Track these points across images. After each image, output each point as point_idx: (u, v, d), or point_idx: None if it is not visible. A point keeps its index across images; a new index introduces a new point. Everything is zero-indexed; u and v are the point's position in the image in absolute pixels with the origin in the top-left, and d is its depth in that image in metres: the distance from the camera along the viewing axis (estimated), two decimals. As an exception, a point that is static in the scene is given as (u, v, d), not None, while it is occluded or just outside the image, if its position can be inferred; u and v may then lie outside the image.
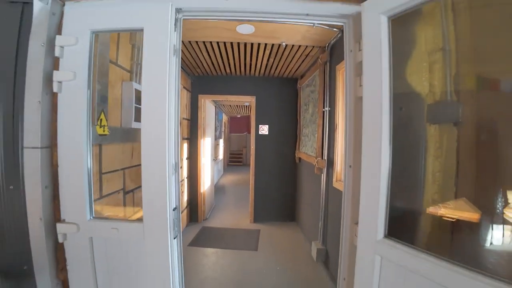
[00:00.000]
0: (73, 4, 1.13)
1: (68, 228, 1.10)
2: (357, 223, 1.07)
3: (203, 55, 2.85)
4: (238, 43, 2.46)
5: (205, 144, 4.04)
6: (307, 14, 1.14)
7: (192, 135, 3.79)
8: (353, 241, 1.09)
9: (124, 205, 1.67)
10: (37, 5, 1.08)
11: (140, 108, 1.73)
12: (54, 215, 1.13)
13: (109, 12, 1.09)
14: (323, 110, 2.47)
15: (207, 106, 4.11)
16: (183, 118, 3.45)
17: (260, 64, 3.19)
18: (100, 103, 1.37)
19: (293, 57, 2.85)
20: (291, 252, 2.97)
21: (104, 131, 1.40)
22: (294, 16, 1.15)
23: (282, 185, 3.98)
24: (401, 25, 1.04)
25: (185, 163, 3.56)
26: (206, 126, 4.01)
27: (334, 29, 1.99)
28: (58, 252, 1.17)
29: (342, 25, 1.17)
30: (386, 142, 0.96)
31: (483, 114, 0.99)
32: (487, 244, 0.94)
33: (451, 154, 1.04)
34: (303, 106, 3.54)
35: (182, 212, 3.42)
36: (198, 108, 3.76)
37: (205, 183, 4.03)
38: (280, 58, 2.90)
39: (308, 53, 2.71)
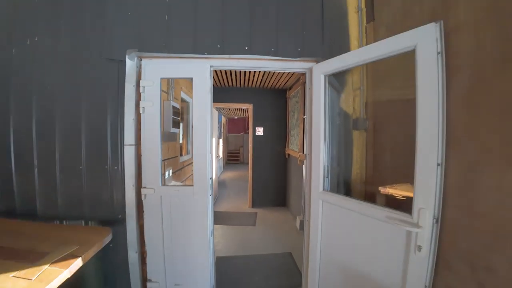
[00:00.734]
0: (148, 61, 1.93)
1: (148, 191, 1.91)
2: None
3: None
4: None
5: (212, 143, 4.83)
6: (285, 68, 1.97)
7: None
8: (310, 195, 1.93)
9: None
10: (128, 62, 1.89)
11: (175, 118, 2.55)
12: (140, 182, 1.93)
13: (171, 67, 1.90)
14: (303, 117, 3.31)
15: (213, 112, 4.91)
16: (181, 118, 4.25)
17: (256, 79, 4.02)
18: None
19: (282, 75, 3.68)
20: (281, 226, 3.82)
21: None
22: (278, 69, 1.99)
23: (275, 177, 4.83)
24: (337, 76, 1.88)
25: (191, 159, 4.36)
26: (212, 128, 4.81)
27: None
28: (139, 206, 1.97)
29: (305, 73, 2.00)
30: (323, 142, 1.80)
31: (377, 125, 1.83)
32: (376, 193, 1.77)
33: (363, 146, 1.89)
34: (291, 113, 4.38)
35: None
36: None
37: (213, 174, 4.84)
38: (272, 75, 3.74)
39: (293, 73, 3.55)
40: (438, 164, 1.18)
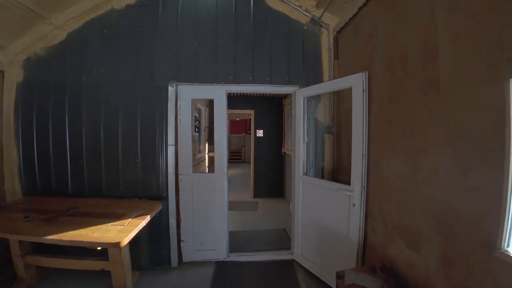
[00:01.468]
0: (182, 86, 2.79)
1: (183, 177, 2.77)
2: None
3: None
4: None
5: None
6: (277, 91, 2.84)
7: (210, 137, 5.45)
8: (294, 179, 2.78)
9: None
10: (170, 89, 2.74)
11: (196, 125, 3.42)
12: (177, 170, 2.79)
13: (198, 91, 2.77)
14: (295, 122, 4.15)
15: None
16: (206, 127, 5.11)
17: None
18: (186, 125, 3.04)
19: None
20: (278, 210, 4.68)
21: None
22: (272, 91, 2.85)
23: (273, 172, 5.68)
24: (314, 97, 2.74)
25: (206, 156, 5.22)
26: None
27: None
28: (176, 187, 2.83)
29: (292, 93, 2.86)
30: (302, 142, 2.66)
31: (338, 131, 2.68)
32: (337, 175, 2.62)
33: (329, 146, 2.75)
34: (286, 117, 5.24)
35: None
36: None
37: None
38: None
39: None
40: (362, 155, 2.03)
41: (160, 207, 2.61)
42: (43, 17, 2.67)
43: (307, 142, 2.74)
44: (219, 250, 2.92)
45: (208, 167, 5.40)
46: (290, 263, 2.88)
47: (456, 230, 1.26)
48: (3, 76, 2.82)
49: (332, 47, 2.79)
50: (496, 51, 1.06)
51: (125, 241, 1.82)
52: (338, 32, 2.70)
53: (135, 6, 2.80)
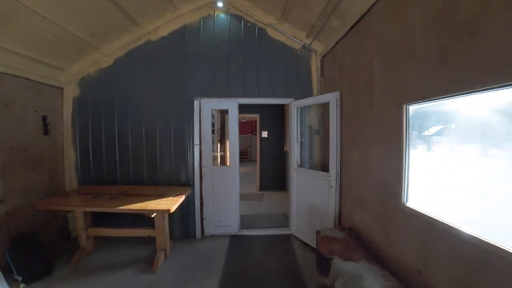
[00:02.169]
0: (204, 100, 3.64)
1: (205, 169, 3.62)
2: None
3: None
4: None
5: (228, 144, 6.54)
6: (276, 102, 3.66)
7: (221, 138, 6.30)
8: (290, 170, 3.60)
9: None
10: (195, 102, 3.59)
11: (212, 128, 4.26)
12: (201, 164, 3.64)
13: (216, 103, 3.62)
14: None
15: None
16: (218, 129, 5.96)
17: (261, 98, 5.69)
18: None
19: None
20: (280, 200, 5.49)
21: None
22: (273, 102, 3.67)
23: (276, 168, 6.49)
24: (306, 107, 3.55)
25: (218, 154, 6.07)
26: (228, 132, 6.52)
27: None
28: (200, 177, 3.67)
29: (288, 104, 3.67)
30: (296, 142, 3.47)
31: (325, 133, 3.48)
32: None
33: (318, 144, 3.55)
34: (288, 120, 6.04)
35: (218, 182, 5.95)
36: (225, 122, 6.28)
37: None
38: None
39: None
40: (336, 150, 2.84)
41: (190, 191, 3.46)
42: (96, 47, 3.55)
43: (301, 142, 3.56)
44: (233, 226, 3.76)
45: (220, 163, 6.24)
46: (288, 236, 3.69)
47: (384, 195, 2.06)
48: (62, 92, 3.72)
49: (319, 67, 3.59)
50: (399, 90, 1.86)
51: (173, 209, 2.67)
52: (324, 56, 3.50)
53: (167, 38, 3.66)
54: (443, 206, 1.53)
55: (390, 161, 1.95)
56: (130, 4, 3.06)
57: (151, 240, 3.30)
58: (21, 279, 2.56)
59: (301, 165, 3.61)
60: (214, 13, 3.65)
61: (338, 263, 1.95)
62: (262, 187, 6.47)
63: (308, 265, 2.88)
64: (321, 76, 3.57)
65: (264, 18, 3.61)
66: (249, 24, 3.65)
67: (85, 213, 3.09)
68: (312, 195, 3.24)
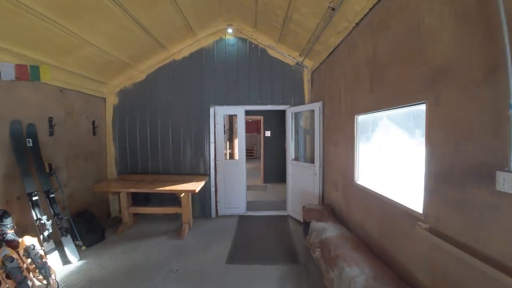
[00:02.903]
0: (217, 107, 4.56)
1: (219, 162, 4.57)
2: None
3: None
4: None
5: (236, 142, 7.46)
6: (275, 108, 4.55)
7: (229, 137, 7.22)
8: (287, 163, 4.50)
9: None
10: (210, 109, 4.53)
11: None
12: (215, 158, 4.57)
13: (227, 109, 4.54)
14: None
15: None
16: (227, 129, 6.88)
17: (265, 102, 6.59)
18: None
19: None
20: (281, 191, 6.38)
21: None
22: (272, 109, 4.56)
23: (278, 163, 7.37)
24: (299, 112, 4.43)
25: (227, 151, 7.00)
26: (236, 132, 7.44)
27: (292, 97, 5.38)
28: (215, 168, 4.60)
29: (285, 110, 4.56)
30: (290, 140, 4.36)
31: (313, 133, 4.35)
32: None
33: (308, 142, 4.43)
34: (287, 121, 6.93)
35: (228, 175, 6.90)
36: (233, 123, 7.20)
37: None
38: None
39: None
40: (320, 146, 3.71)
41: (207, 179, 4.39)
42: (133, 66, 4.50)
43: (296, 140, 4.44)
44: (241, 208, 4.68)
45: (228, 158, 7.16)
46: (285, 217, 4.59)
47: (346, 177, 2.93)
48: (105, 101, 4.69)
49: (310, 80, 4.46)
50: (353, 105, 2.72)
51: (197, 189, 3.62)
52: (313, 72, 4.36)
53: (188, 57, 4.59)
54: (372, 181, 2.41)
55: (349, 153, 2.82)
56: (160, 34, 3.98)
57: (176, 217, 4.27)
58: (82, 243, 3.49)
59: (295, 159, 4.50)
60: (225, 37, 4.55)
61: (313, 224, 2.84)
62: (265, 180, 7.37)
63: (298, 235, 3.77)
64: (311, 88, 4.44)
65: (265, 41, 4.49)
66: (253, 46, 4.54)
67: (127, 194, 4.06)
68: (303, 182, 4.12)
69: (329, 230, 2.53)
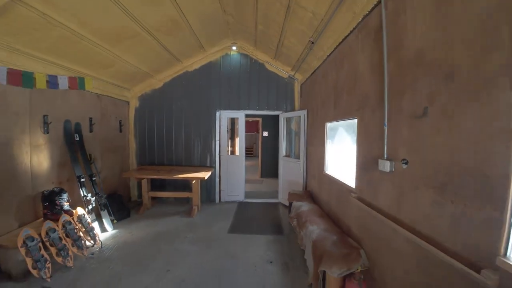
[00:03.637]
0: (222, 111, 5.50)
1: (222, 156, 5.51)
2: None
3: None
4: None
5: (237, 140, 8.39)
6: (271, 113, 5.48)
7: (231, 136, 8.15)
8: (279, 158, 5.43)
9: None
10: (216, 113, 5.46)
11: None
12: (220, 153, 5.51)
13: (230, 113, 5.49)
14: (285, 128, 6.77)
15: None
16: (229, 129, 7.81)
17: (263, 106, 7.52)
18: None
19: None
20: (275, 184, 7.30)
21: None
22: (268, 114, 5.50)
23: (274, 160, 8.29)
24: (290, 117, 5.37)
25: (229, 148, 7.94)
26: (237, 132, 8.37)
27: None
28: (219, 161, 5.54)
29: (278, 115, 5.49)
30: (282, 139, 5.29)
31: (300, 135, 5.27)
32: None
33: (297, 142, 5.37)
34: (282, 123, 7.86)
35: (229, 170, 7.85)
36: (234, 124, 8.13)
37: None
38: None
39: (281, 105, 7.02)
40: (304, 146, 4.65)
41: (212, 170, 5.33)
42: (152, 76, 5.43)
43: (288, 140, 5.37)
44: (240, 196, 5.62)
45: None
46: (277, 204, 5.52)
47: (319, 169, 3.85)
48: (128, 104, 5.63)
49: (299, 91, 5.38)
50: (325, 115, 3.64)
51: (206, 177, 4.57)
52: (302, 84, 5.28)
53: (198, 69, 5.52)
54: (334, 170, 3.34)
55: (321, 151, 3.75)
56: (176, 49, 4.89)
57: (187, 201, 5.21)
58: (113, 218, 4.44)
59: (286, 155, 5.43)
60: (230, 53, 5.48)
61: (294, 203, 3.77)
62: (262, 175, 8.31)
63: (285, 216, 4.71)
64: (300, 97, 5.36)
65: (263, 57, 5.42)
66: (253, 61, 5.47)
67: (147, 181, 5.00)
68: (291, 175, 5.06)
69: (304, 206, 3.46)
